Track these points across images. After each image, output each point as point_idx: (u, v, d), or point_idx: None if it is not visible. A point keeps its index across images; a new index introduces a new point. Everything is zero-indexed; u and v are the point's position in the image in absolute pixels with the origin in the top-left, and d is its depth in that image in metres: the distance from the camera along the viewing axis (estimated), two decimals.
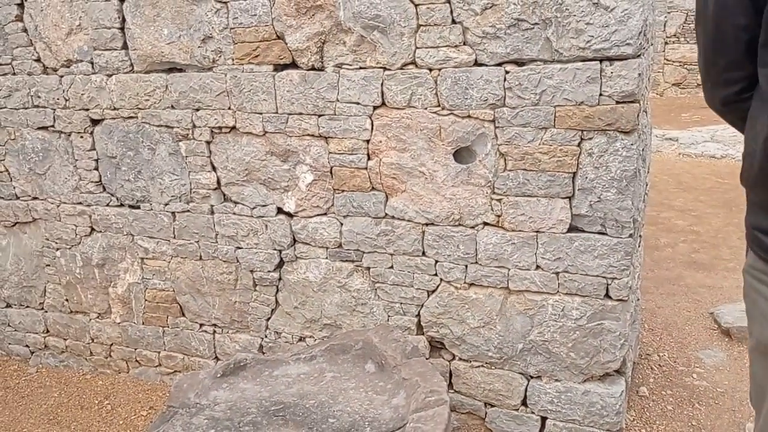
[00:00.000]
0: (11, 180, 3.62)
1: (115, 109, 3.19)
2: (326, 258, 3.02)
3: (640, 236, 3.04)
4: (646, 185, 3.22)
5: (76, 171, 3.42)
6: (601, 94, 2.40)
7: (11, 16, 3.24)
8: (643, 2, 2.30)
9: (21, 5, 3.21)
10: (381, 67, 2.69)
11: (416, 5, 2.57)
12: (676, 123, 10.37)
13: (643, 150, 2.74)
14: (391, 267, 2.91)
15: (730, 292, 4.23)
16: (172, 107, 3.08)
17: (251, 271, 3.20)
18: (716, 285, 4.36)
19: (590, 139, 2.45)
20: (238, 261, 3.21)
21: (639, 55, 2.35)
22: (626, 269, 2.52)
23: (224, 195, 3.16)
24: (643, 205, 2.97)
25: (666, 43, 12.67)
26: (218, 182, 3.13)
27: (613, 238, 2.51)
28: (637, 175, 2.48)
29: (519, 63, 2.50)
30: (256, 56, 2.86)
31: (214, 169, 3.12)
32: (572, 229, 2.58)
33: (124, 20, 3.03)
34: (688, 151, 8.62)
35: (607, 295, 2.58)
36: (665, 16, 12.51)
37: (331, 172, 2.89)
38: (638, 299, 3.30)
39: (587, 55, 2.39)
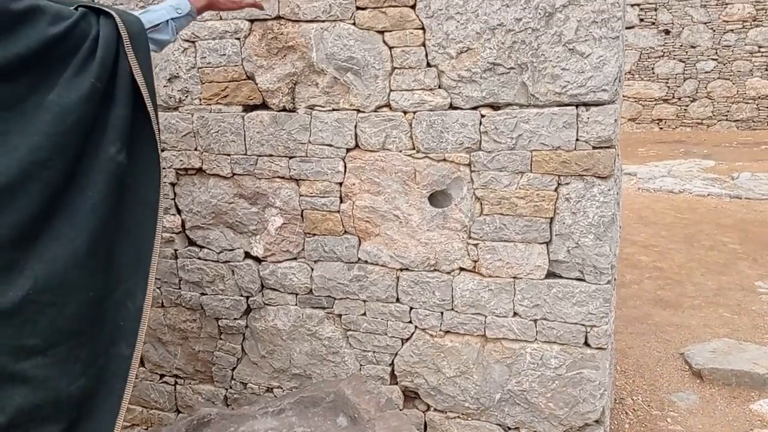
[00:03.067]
0: None
1: None
2: (296, 305, 2.91)
3: (615, 279, 3.02)
4: (620, 227, 3.21)
5: None
6: (577, 140, 2.38)
7: None
8: (617, 49, 2.30)
9: None
10: (354, 109, 2.63)
11: (391, 48, 2.53)
12: (633, 158, 10.61)
13: (618, 194, 2.73)
14: (364, 314, 2.81)
15: (697, 331, 4.25)
16: None
17: (216, 319, 3.06)
18: (683, 323, 4.38)
19: (567, 184, 2.43)
20: (202, 308, 3.06)
21: (614, 101, 2.35)
22: (605, 317, 2.48)
23: (189, 239, 3.03)
24: (618, 249, 2.95)
25: None
26: (183, 225, 3.00)
27: (591, 285, 2.48)
28: (614, 220, 2.46)
29: (495, 107, 2.48)
30: (225, 96, 2.78)
31: (178, 211, 2.99)
32: (550, 275, 2.54)
33: None
34: (647, 186, 8.78)
35: (586, 343, 2.53)
36: None
37: (301, 216, 2.80)
38: (612, 342, 3.27)
39: (563, 100, 2.37)
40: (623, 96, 13.35)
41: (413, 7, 2.47)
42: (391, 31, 2.51)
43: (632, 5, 12.82)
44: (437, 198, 2.64)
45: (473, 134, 2.49)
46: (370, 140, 2.63)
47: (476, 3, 2.39)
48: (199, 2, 2.20)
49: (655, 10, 12.92)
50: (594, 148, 2.37)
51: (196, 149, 2.87)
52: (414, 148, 2.59)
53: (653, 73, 13.09)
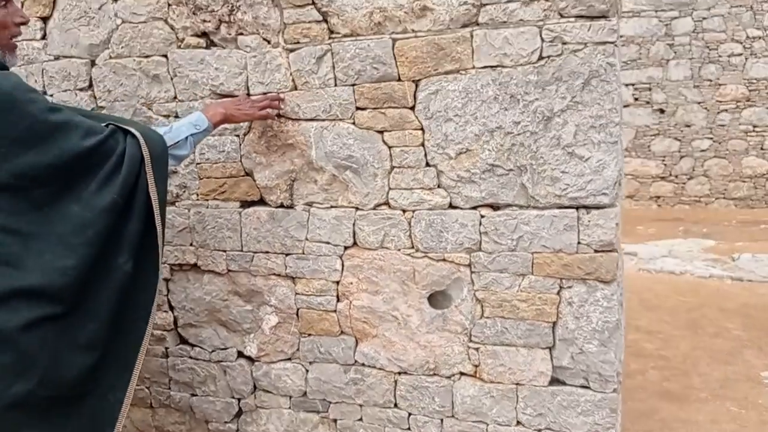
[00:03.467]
0: None
1: None
2: (289, 408, 2.80)
3: (620, 384, 2.92)
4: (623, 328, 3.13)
5: None
6: (579, 243, 2.34)
7: None
8: (617, 153, 2.29)
9: None
10: (353, 207, 2.61)
11: (390, 147, 2.53)
12: (633, 236, 10.58)
13: (621, 295, 2.67)
14: (361, 419, 2.69)
15: (705, 427, 4.08)
16: None
17: (206, 422, 2.93)
18: (691, 419, 4.22)
19: (570, 287, 2.37)
20: (192, 410, 2.95)
21: (615, 205, 2.32)
22: (612, 427, 2.38)
23: (181, 337, 2.95)
24: (623, 355, 2.86)
25: None
26: (175, 323, 2.93)
27: (597, 393, 2.38)
28: (618, 326, 2.39)
29: (495, 207, 2.45)
30: (223, 192, 2.76)
31: (171, 308, 2.92)
32: (554, 381, 2.44)
33: None
34: (648, 267, 8.71)
35: None
36: None
37: (297, 315, 2.73)
38: None
39: (563, 203, 2.35)
40: None
41: (412, 108, 2.48)
42: (390, 131, 2.52)
43: (627, 85, 13.12)
44: (437, 299, 2.58)
45: (473, 234, 2.46)
46: (368, 238, 2.59)
47: (475, 106, 2.40)
48: (216, 117, 2.36)
49: (650, 89, 13.20)
50: (596, 251, 2.32)
51: (191, 245, 2.83)
52: (413, 247, 2.55)
53: (650, 150, 13.25)
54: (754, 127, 12.51)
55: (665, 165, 13.10)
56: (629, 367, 5.10)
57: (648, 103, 13.26)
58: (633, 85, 13.38)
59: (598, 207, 2.32)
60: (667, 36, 12.78)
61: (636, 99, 13.36)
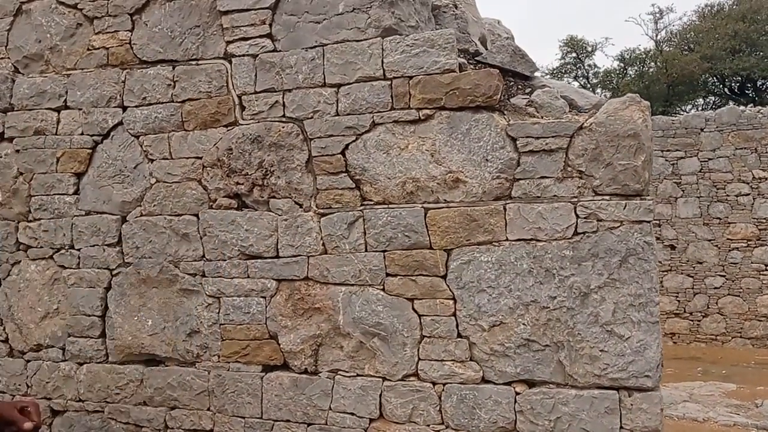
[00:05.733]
0: None
1: (80, 401, 2.89)
2: None
3: None
4: None
5: None
6: (621, 428, 2.21)
7: None
8: (657, 334, 2.22)
9: None
10: (380, 377, 2.50)
11: (420, 315, 2.46)
12: None
13: None
14: None
15: None
16: (145, 403, 2.79)
17: None
18: None
19: None
20: None
21: (657, 389, 2.22)
22: None
23: None
24: None
25: None
26: None
27: None
28: None
29: (530, 384, 2.34)
30: (245, 355, 2.67)
31: None
32: None
33: (106, 308, 2.86)
34: (670, 413, 8.35)
35: None
36: None
37: None
38: None
39: (603, 383, 2.24)
40: None
41: (444, 277, 2.45)
42: (421, 299, 2.47)
43: None
44: None
45: (508, 413, 2.33)
46: (395, 411, 2.47)
47: (509, 278, 2.36)
48: None
49: (659, 226, 13.31)
50: None
51: (209, 409, 2.71)
52: (443, 423, 2.42)
53: (663, 286, 13.13)
54: (767, 266, 12.46)
55: (678, 301, 12.93)
56: None
57: (658, 238, 13.32)
58: None
59: (640, 389, 2.21)
60: (674, 174, 13.08)
61: None
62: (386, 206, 2.52)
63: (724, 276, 13.27)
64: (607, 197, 2.28)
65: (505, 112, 2.42)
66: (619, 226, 2.26)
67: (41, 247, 2.95)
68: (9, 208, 2.98)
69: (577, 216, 2.30)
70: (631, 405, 2.21)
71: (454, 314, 2.43)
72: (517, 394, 2.34)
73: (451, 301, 2.43)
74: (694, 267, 13.45)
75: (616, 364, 2.23)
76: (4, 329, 3.04)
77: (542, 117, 2.38)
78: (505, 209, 2.38)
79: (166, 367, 2.79)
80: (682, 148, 13.37)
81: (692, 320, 13.31)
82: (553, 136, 2.32)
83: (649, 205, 2.24)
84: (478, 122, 2.41)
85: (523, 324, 2.35)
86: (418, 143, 2.47)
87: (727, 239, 13.24)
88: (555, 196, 2.34)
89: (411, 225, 2.47)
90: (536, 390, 2.32)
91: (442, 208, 2.46)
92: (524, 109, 2.42)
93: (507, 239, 2.38)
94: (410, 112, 2.48)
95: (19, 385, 2.99)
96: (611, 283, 2.26)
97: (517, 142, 2.36)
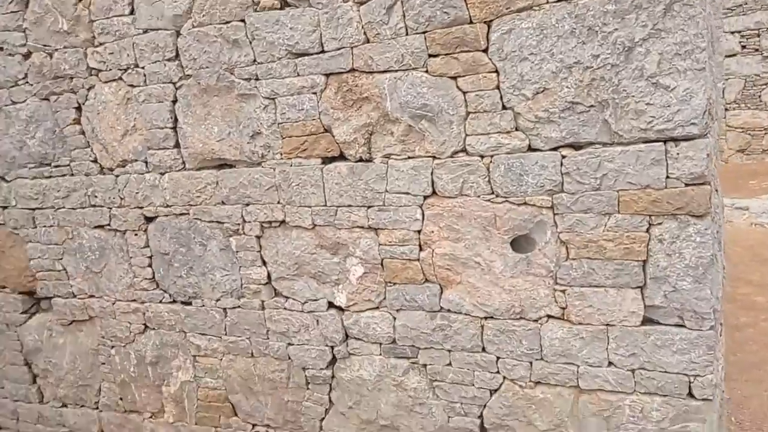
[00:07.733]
0: (68, 279, 3.65)
1: (167, 206, 3.21)
2: (380, 354, 2.87)
3: (720, 324, 2.78)
4: (723, 267, 2.98)
5: (131, 268, 3.42)
6: (668, 177, 2.24)
7: (69, 119, 3.34)
8: (704, 81, 2.16)
9: (79, 108, 3.32)
10: (430, 156, 2.61)
11: (464, 93, 2.50)
12: (744, 191, 9.91)
13: (717, 232, 2.54)
14: (449, 364, 2.73)
15: None
16: (223, 203, 3.07)
17: (303, 369, 3.07)
18: None
19: (660, 224, 2.28)
20: (289, 358, 3.09)
21: (706, 135, 2.20)
22: (709, 365, 2.28)
23: (275, 290, 3.08)
24: (721, 292, 2.73)
25: (726, 109, 12.36)
26: (269, 277, 3.06)
27: (692, 331, 2.29)
28: (714, 261, 2.27)
29: (576, 146, 2.38)
30: (304, 150, 2.84)
31: (264, 263, 3.06)
32: (646, 321, 2.37)
33: (176, 120, 3.08)
34: (760, 221, 8.17)
35: (690, 394, 2.33)
36: (723, 83, 12.24)
37: (381, 265, 2.78)
38: (722, 391, 3.00)
39: (650, 137, 2.25)
40: (729, 126, 12.65)
41: (485, 51, 2.44)
42: (464, 76, 2.49)
43: (732, 32, 12.19)
44: (520, 243, 2.55)
45: (554, 176, 2.40)
46: (447, 186, 2.60)
47: (550, 42, 2.33)
48: None
49: (758, 36, 12.21)
50: (686, 185, 2.22)
51: (278, 202, 2.94)
52: (493, 193, 2.53)
53: (760, 101, 12.30)
54: None
55: None
56: (739, 320, 4.83)
57: (757, 50, 12.27)
58: (739, 32, 12.40)
59: (687, 138, 2.20)
60: None
61: (743, 47, 12.39)
62: None
63: None
64: None
65: None
66: None
67: (110, 69, 3.15)
68: (75, 36, 3.17)
69: None
70: (678, 154, 2.22)
71: (498, 87, 2.45)
72: (564, 157, 2.38)
73: (494, 74, 2.44)
74: None
75: (662, 116, 2.21)
76: (92, 150, 3.35)
77: None
78: None
79: (236, 169, 3.01)
80: None
81: None
82: None
83: None
84: None
85: (567, 87, 2.34)
86: None
87: None
88: None
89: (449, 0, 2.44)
90: (582, 151, 2.36)
91: None
92: None
93: (548, 1, 2.32)
94: None
95: (113, 198, 3.35)
96: (656, 34, 2.18)
97: None
